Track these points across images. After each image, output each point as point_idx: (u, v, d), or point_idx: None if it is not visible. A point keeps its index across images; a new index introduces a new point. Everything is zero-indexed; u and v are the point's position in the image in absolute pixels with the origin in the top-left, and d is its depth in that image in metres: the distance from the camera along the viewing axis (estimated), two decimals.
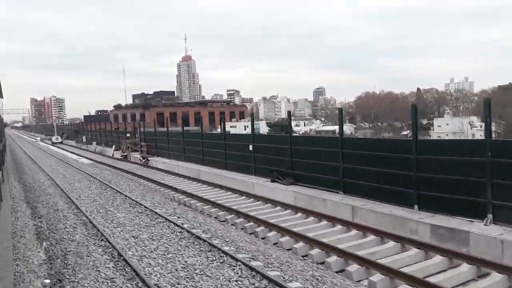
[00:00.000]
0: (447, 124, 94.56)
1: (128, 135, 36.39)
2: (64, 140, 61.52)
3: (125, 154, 33.89)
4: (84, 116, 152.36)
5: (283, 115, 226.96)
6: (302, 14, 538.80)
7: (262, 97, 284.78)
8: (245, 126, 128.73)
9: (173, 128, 51.27)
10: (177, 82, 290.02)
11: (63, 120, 69.43)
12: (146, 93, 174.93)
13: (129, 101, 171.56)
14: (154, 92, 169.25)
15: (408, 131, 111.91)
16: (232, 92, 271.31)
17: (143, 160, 28.39)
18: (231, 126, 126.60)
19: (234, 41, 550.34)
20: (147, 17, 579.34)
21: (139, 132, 34.05)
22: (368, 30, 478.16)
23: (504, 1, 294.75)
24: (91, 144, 47.89)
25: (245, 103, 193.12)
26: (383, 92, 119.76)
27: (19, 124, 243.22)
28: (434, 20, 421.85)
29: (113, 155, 37.81)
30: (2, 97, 18.93)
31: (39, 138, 67.88)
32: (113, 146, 38.77)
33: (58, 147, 49.06)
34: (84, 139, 53.15)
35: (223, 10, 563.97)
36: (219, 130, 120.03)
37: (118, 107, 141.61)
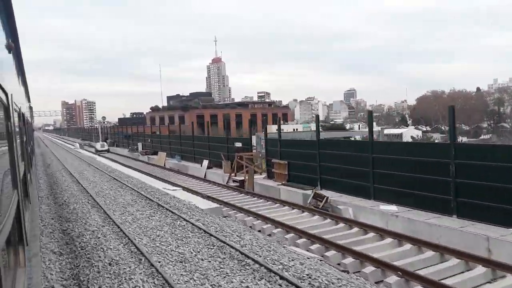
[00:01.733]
0: None
1: (238, 144, 21.30)
2: (111, 147, 47.10)
3: (241, 178, 18.85)
4: (119, 119, 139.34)
5: (321, 117, 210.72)
6: (324, 17, 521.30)
7: (293, 99, 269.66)
8: (294, 129, 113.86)
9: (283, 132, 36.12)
10: (207, 85, 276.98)
11: (104, 123, 55.65)
12: (181, 94, 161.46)
13: (163, 103, 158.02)
14: (190, 94, 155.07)
15: (489, 135, 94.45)
16: (262, 94, 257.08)
17: (321, 203, 13.05)
18: (277, 130, 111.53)
19: (252, 45, 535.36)
20: (168, 24, 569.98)
21: (264, 139, 19.06)
22: (385, 34, 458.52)
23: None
24: (156, 154, 33.19)
25: (286, 105, 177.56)
26: (454, 91, 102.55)
27: (51, 127, 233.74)
28: (451, 23, 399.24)
29: (205, 176, 22.90)
30: (29, 101, 13.09)
31: (77, 145, 53.83)
32: (205, 162, 23.84)
33: (109, 159, 34.66)
34: (140, 148, 38.63)
35: (239, 14, 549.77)
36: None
37: (155, 109, 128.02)
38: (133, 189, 17.28)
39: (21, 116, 4.08)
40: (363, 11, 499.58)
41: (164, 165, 30.05)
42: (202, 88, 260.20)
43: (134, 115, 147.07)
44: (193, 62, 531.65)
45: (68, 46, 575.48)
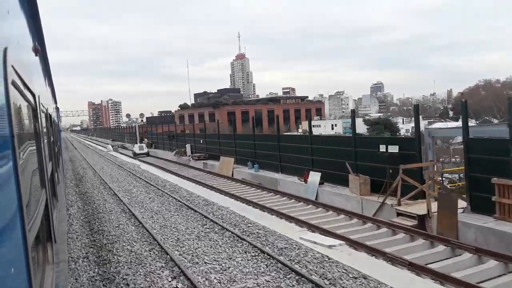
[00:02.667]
0: None
1: (392, 148, 12.58)
2: (149, 150, 39.29)
3: (421, 213, 10.38)
4: (147, 118, 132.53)
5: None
6: (341, 14, 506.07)
7: (319, 94, 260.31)
8: (332, 125, 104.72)
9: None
10: (231, 82, 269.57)
11: (142, 121, 47.28)
12: (208, 91, 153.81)
13: (191, 101, 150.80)
14: (218, 90, 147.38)
15: None
16: (288, 90, 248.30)
17: None
18: (313, 126, 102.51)
19: (275, 42, 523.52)
20: (189, 24, 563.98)
21: (464, 140, 10.60)
22: (409, 28, 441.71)
23: None
24: (213, 159, 25.14)
25: (320, 100, 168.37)
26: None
27: (78, 128, 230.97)
28: (479, 15, 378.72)
29: (317, 197, 14.58)
30: (56, 102, 12.41)
31: (110, 146, 46.40)
32: (314, 175, 15.37)
33: (154, 166, 26.77)
34: (189, 150, 30.69)
35: (262, 11, 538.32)
36: (300, 131, 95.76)
37: (183, 107, 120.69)
38: (240, 237, 9.13)
39: (48, 116, 4.06)
40: (386, 3, 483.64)
41: (232, 175, 21.96)
42: (226, 85, 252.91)
43: (162, 114, 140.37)
44: (216, 61, 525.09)
45: (93, 47, 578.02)
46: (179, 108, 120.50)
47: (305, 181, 15.78)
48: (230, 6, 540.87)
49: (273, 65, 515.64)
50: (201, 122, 70.71)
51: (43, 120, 2.91)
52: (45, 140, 2.90)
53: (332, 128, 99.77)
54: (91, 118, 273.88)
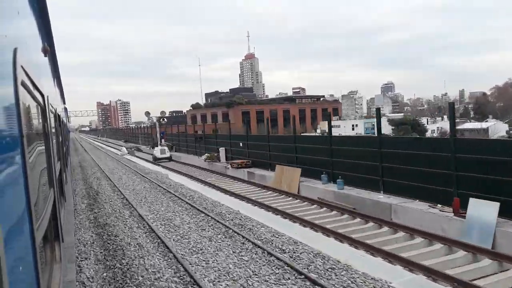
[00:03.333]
0: None
1: None
2: (171, 153, 33.37)
3: None
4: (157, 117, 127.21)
5: (364, 111, 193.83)
6: (341, 14, 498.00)
7: (329, 94, 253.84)
8: (353, 126, 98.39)
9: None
10: (240, 82, 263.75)
11: (164, 120, 41.40)
12: (220, 91, 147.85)
13: (203, 101, 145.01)
14: (230, 90, 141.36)
15: None
16: (298, 90, 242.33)
17: None
18: (332, 126, 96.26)
19: (283, 43, 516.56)
20: (195, 24, 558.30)
21: None
22: (418, 27, 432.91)
23: None
24: (256, 167, 19.22)
25: (336, 99, 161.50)
26: None
27: (87, 128, 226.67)
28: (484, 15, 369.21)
29: (495, 243, 8.66)
30: (64, 102, 12.24)
31: (124, 149, 40.57)
32: (488, 207, 9.47)
33: (186, 176, 20.87)
34: (223, 155, 24.78)
35: (262, 11, 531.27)
36: (318, 131, 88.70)
37: (196, 106, 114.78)
38: None
39: (56, 117, 3.97)
40: (386, 4, 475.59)
41: (299, 192, 16.01)
42: (231, 85, 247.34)
43: (174, 114, 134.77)
44: (217, 61, 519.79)
45: (94, 48, 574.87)
46: (191, 108, 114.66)
47: (456, 212, 9.77)
48: (230, 6, 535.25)
49: (273, 65, 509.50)
50: (214, 122, 64.68)
51: (52, 120, 2.87)
52: (54, 140, 2.88)
53: (353, 129, 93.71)
54: (100, 118, 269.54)
